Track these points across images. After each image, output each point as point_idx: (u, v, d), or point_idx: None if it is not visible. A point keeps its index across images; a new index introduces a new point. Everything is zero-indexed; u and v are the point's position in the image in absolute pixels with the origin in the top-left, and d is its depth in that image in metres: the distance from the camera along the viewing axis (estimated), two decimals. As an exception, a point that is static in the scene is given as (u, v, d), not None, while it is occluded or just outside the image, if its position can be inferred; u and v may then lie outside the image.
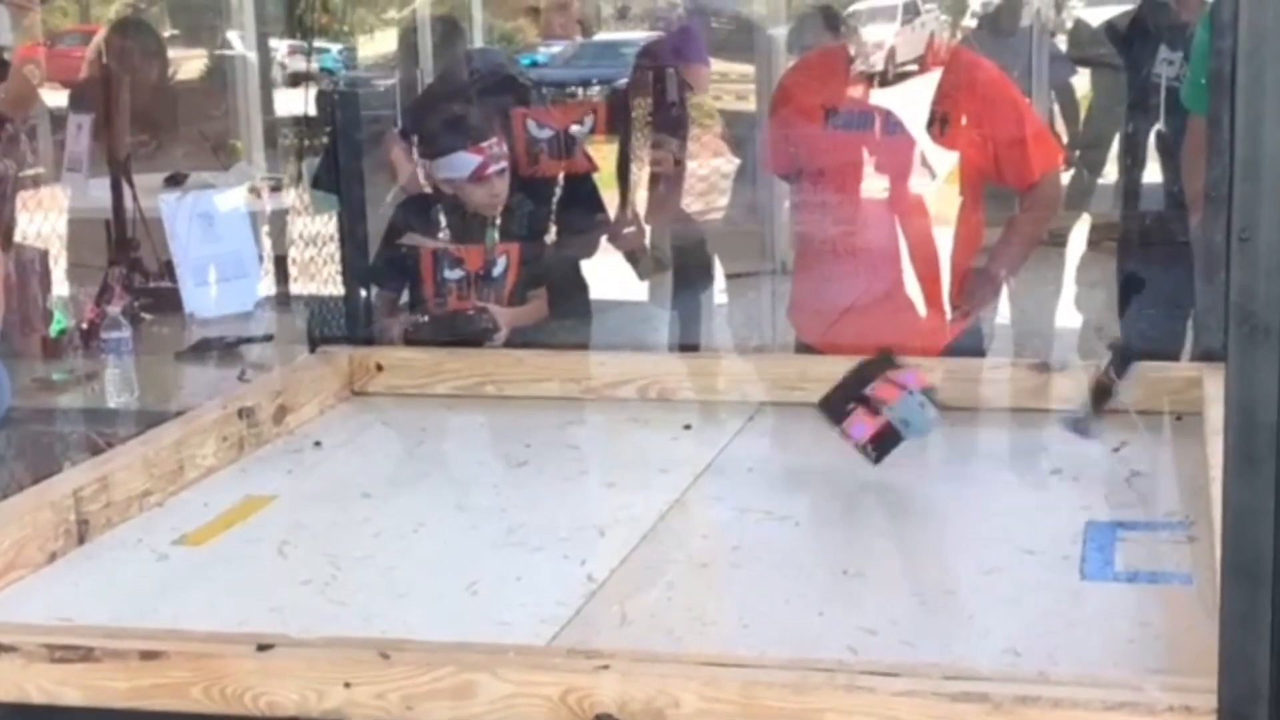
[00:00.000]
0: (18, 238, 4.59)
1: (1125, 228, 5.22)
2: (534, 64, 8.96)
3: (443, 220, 3.94)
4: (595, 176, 4.39)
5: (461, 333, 3.67)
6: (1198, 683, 1.76)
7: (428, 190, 4.03)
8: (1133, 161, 5.29)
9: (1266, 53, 1.61)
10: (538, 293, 3.97)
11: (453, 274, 3.90)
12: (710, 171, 5.79)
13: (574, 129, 4.20)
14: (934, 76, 3.56)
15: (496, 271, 3.90)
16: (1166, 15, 4.94)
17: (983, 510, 2.63)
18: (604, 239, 4.50)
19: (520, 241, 3.96)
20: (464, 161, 3.87)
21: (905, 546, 2.49)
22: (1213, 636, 1.73)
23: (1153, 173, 5.10)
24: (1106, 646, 2.06)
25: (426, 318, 3.80)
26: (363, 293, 4.01)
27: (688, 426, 3.08)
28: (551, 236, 4.18)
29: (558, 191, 4.21)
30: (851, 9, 4.72)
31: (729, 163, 5.76)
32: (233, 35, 6.38)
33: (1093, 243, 5.79)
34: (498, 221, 3.94)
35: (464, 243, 3.92)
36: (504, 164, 3.89)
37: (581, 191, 4.29)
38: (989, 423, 3.09)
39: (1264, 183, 1.63)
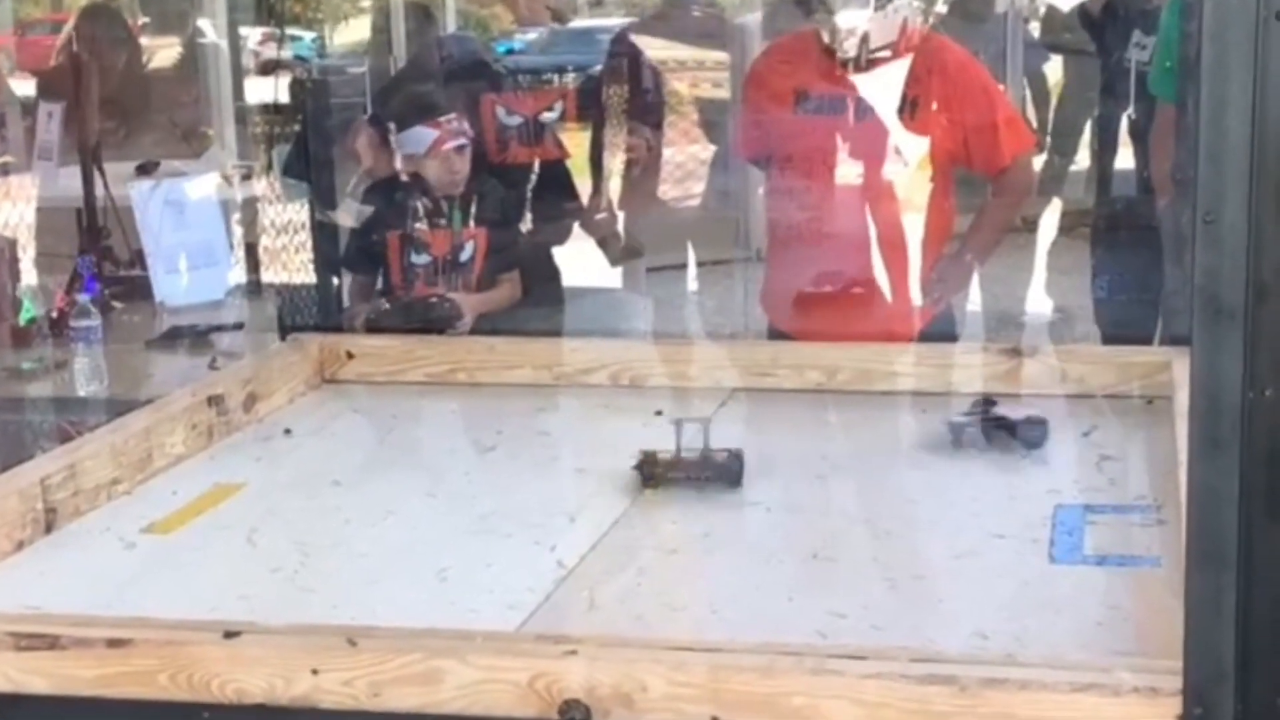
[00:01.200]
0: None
1: (1098, 213, 5.23)
2: (510, 51, 8.94)
3: (411, 205, 3.92)
4: (568, 163, 4.38)
5: (422, 320, 3.67)
6: (1164, 665, 1.77)
7: (399, 175, 4.02)
8: (1104, 146, 5.30)
9: (1230, 37, 1.62)
10: (509, 275, 3.96)
11: (419, 259, 3.89)
12: (687, 158, 5.79)
13: (544, 116, 4.20)
14: (906, 62, 3.56)
15: (464, 257, 3.90)
16: (1138, 1, 4.94)
17: (953, 494, 2.64)
18: (577, 225, 4.50)
19: (491, 227, 3.95)
20: (421, 136, 3.86)
21: (875, 531, 2.49)
22: (1180, 619, 1.74)
23: (1125, 158, 5.11)
24: (1075, 629, 2.07)
25: (387, 306, 3.79)
26: (334, 280, 4.00)
27: (659, 412, 3.08)
28: (527, 223, 4.18)
29: (532, 178, 4.20)
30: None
31: (704, 149, 5.76)
32: (204, 23, 6.34)
33: (1065, 228, 5.80)
34: (470, 208, 3.93)
35: (431, 227, 3.91)
36: (462, 141, 3.87)
37: (554, 178, 4.29)
38: (960, 408, 3.09)
39: (1228, 167, 1.63)
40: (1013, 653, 1.92)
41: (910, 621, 2.10)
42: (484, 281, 3.91)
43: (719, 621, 2.13)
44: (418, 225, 3.91)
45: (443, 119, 3.85)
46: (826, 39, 3.64)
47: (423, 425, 3.21)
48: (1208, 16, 1.63)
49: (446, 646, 1.91)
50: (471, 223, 3.92)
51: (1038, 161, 5.41)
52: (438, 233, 3.90)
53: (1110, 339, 4.43)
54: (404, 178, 3.97)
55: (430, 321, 3.67)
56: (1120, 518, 2.46)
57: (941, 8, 7.26)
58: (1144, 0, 4.91)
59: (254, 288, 4.53)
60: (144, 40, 6.66)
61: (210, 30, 5.73)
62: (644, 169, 4.68)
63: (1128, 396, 3.02)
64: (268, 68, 5.71)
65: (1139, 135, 4.80)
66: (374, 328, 3.69)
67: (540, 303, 4.08)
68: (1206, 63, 1.63)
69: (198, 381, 3.20)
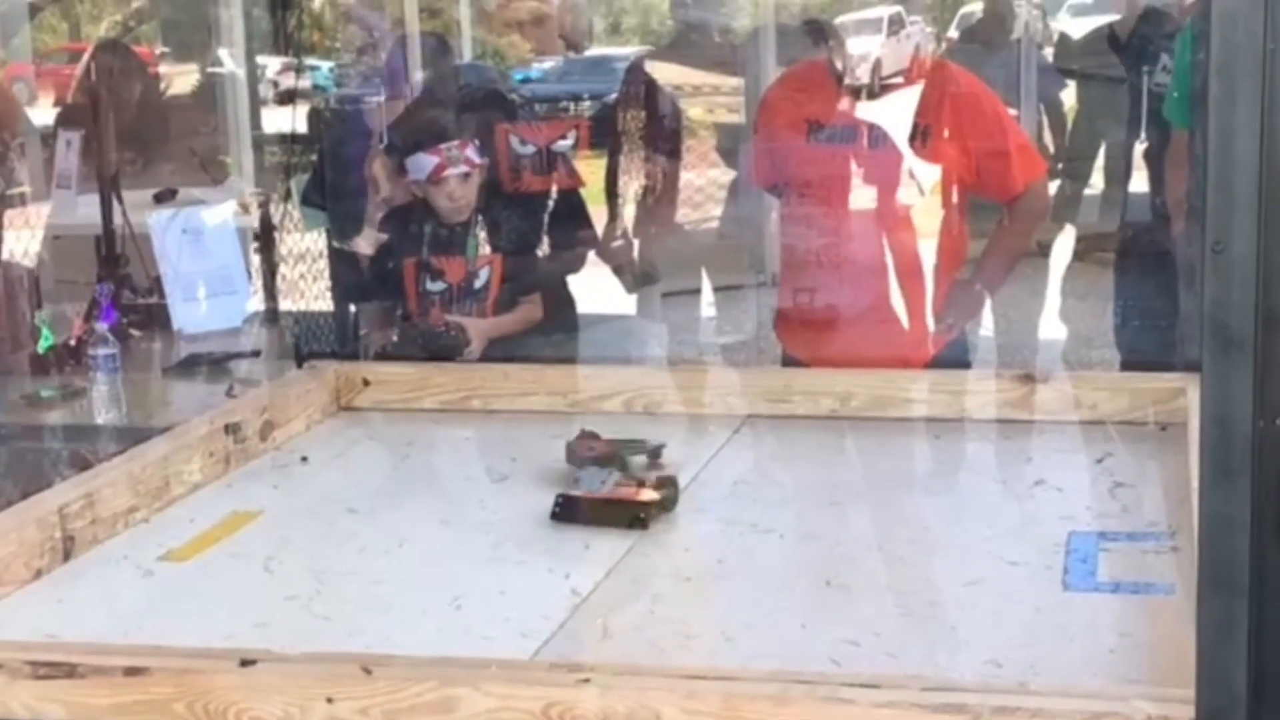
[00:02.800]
0: (4, 255, 4.59)
1: (1120, 237, 5.18)
2: (527, 80, 8.98)
3: (426, 232, 3.94)
4: (583, 192, 4.40)
5: (430, 349, 3.69)
6: (1176, 693, 1.77)
7: (415, 202, 4.04)
8: (1128, 170, 5.27)
9: (1238, 68, 1.62)
10: (530, 298, 3.97)
11: (435, 286, 3.91)
12: (707, 183, 5.81)
13: (557, 145, 4.22)
14: (917, 89, 3.58)
15: (478, 284, 3.91)
16: (1168, 24, 4.92)
17: (966, 521, 2.64)
18: (592, 253, 4.52)
19: (507, 253, 3.96)
20: (423, 162, 3.89)
21: (889, 558, 2.49)
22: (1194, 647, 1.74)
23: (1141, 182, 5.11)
24: (1088, 657, 2.06)
25: (396, 338, 3.82)
26: (351, 308, 4.02)
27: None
28: (543, 250, 4.19)
29: (548, 205, 4.22)
30: (837, 21, 4.74)
31: (724, 174, 5.78)
32: (223, 53, 6.41)
33: (1080, 254, 5.79)
34: (480, 234, 3.95)
35: (446, 255, 3.92)
36: (464, 169, 3.88)
37: (568, 207, 4.31)
38: (974, 434, 3.10)
39: (1236, 196, 1.64)
40: (1026, 681, 1.92)
41: (923, 649, 2.10)
42: (501, 306, 3.92)
43: (732, 649, 2.14)
44: (433, 253, 3.93)
45: (444, 146, 3.87)
46: (839, 67, 3.66)
47: (438, 452, 3.22)
48: (1216, 46, 1.64)
49: (461, 675, 1.92)
50: (486, 249, 3.94)
51: (1053, 187, 5.42)
52: (453, 260, 3.92)
53: (1130, 365, 4.41)
54: (419, 204, 4.00)
55: (437, 350, 3.69)
56: (1134, 545, 2.46)
57: (953, 33, 7.29)
58: (1172, 24, 4.88)
59: (271, 315, 4.55)
60: (163, 69, 6.72)
61: (228, 60, 5.77)
62: (660, 197, 4.70)
63: (1141, 423, 3.02)
64: (286, 97, 5.74)
65: (1156, 160, 4.78)
66: (384, 357, 3.71)
67: (555, 330, 4.09)
68: (1214, 92, 1.64)
69: (215, 409, 3.21)
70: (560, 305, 4.25)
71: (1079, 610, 2.23)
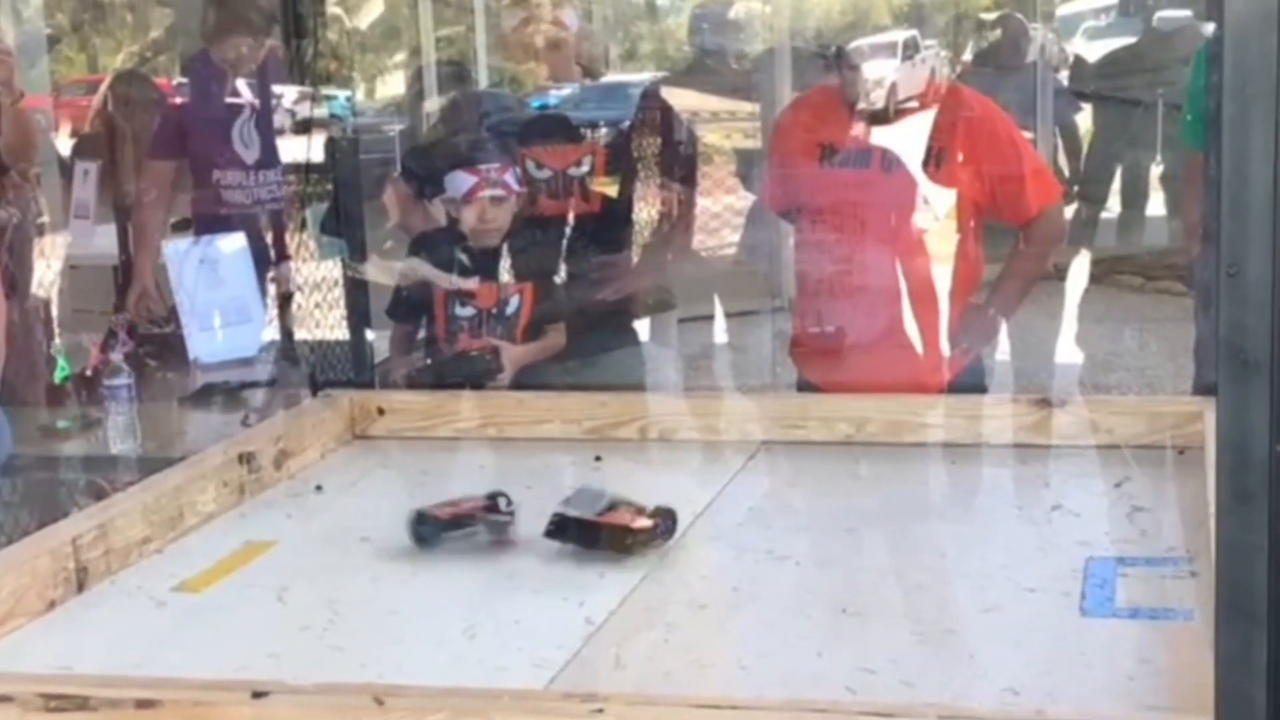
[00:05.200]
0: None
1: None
2: (544, 106, 8.99)
3: (458, 257, 3.94)
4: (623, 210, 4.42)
5: (464, 375, 3.68)
6: (1196, 720, 1.75)
7: (447, 226, 4.05)
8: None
9: (1251, 90, 1.62)
10: (555, 326, 3.98)
11: (464, 311, 3.90)
12: (723, 209, 5.81)
13: (572, 170, 4.23)
14: (931, 113, 3.57)
15: (509, 310, 3.91)
16: None
17: (983, 547, 2.62)
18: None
19: (537, 279, 3.96)
20: (460, 180, 3.89)
21: (905, 585, 2.48)
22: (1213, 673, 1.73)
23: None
24: (1107, 684, 2.04)
25: (429, 362, 3.82)
26: (368, 335, 4.02)
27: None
28: (561, 276, 4.19)
29: (567, 230, 4.23)
30: (852, 46, 4.74)
31: (740, 200, 5.78)
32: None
33: (1097, 277, 5.77)
34: (517, 259, 3.95)
35: (478, 280, 3.92)
36: (500, 192, 3.88)
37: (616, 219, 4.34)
38: (990, 459, 3.08)
39: (1251, 218, 1.63)
40: (1043, 708, 1.90)
41: (940, 677, 2.09)
42: (528, 335, 3.92)
43: (748, 678, 2.12)
44: (463, 277, 3.92)
45: (485, 167, 3.88)
46: (853, 91, 3.65)
47: (453, 481, 3.21)
48: (1229, 68, 1.63)
49: (474, 705, 1.91)
50: (506, 276, 3.94)
51: (1069, 211, 5.39)
52: (485, 285, 3.92)
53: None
54: (451, 228, 4.00)
55: (470, 376, 3.69)
56: (1152, 570, 2.44)
57: (968, 57, 7.28)
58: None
59: (287, 344, 4.56)
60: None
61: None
62: (675, 223, 4.70)
63: (1159, 447, 3.00)
64: (302, 126, 5.77)
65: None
66: (415, 384, 3.71)
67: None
68: (1228, 114, 1.63)
69: (230, 438, 3.21)
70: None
71: (1097, 636, 2.21)
